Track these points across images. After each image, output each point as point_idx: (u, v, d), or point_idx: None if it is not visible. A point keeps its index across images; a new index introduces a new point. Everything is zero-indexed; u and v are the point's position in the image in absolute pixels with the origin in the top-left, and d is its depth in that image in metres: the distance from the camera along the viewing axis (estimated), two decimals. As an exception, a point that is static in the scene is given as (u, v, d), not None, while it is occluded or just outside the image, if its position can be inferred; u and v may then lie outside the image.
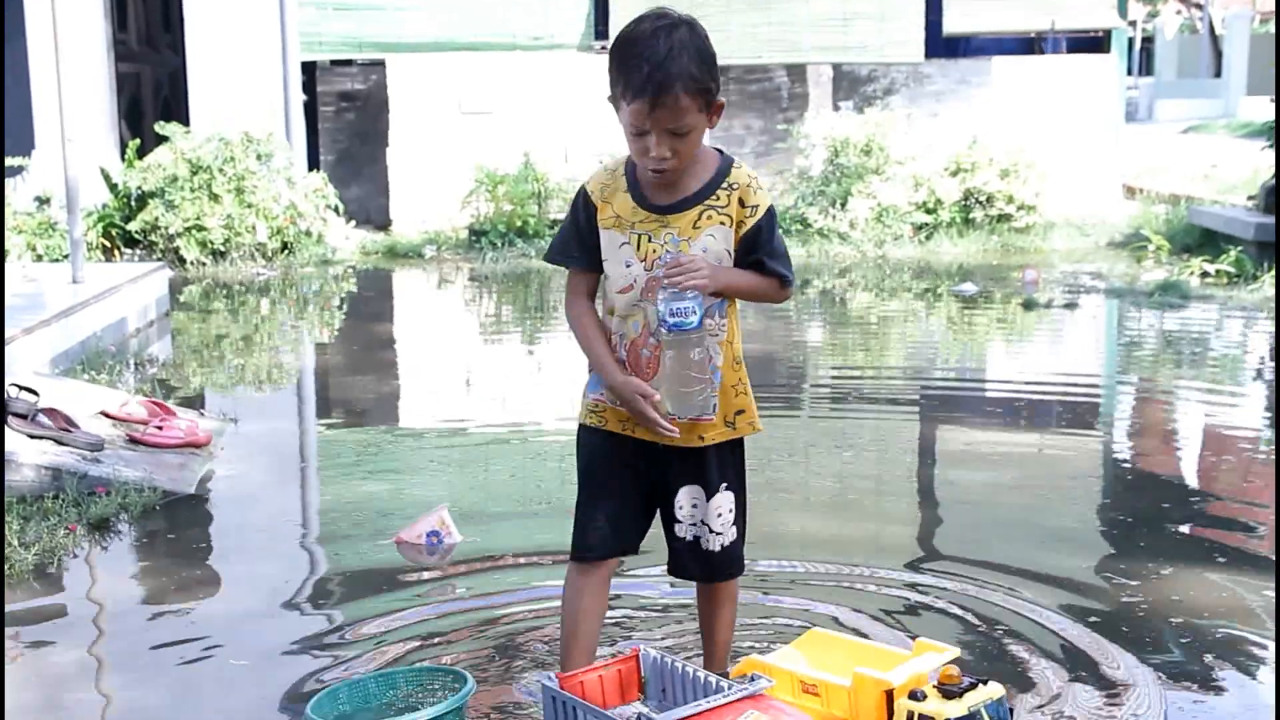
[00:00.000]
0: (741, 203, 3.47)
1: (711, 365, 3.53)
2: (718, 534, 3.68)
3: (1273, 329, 10.04)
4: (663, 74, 3.25)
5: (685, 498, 3.64)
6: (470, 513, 5.58)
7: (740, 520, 3.72)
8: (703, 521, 3.66)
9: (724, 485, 3.66)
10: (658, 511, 3.70)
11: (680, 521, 3.64)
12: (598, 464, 3.65)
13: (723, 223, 3.47)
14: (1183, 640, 4.27)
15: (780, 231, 3.58)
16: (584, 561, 3.63)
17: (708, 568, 3.71)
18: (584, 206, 3.52)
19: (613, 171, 3.54)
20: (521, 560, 5.13)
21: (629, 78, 3.30)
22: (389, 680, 3.90)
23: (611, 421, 3.61)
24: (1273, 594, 4.66)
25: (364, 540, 5.53)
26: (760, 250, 3.50)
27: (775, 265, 3.53)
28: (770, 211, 3.51)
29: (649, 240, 3.48)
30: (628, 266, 3.50)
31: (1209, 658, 4.14)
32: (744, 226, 3.48)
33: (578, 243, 3.55)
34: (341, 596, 4.88)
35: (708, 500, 3.64)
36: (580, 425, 3.69)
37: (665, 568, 3.78)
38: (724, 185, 3.47)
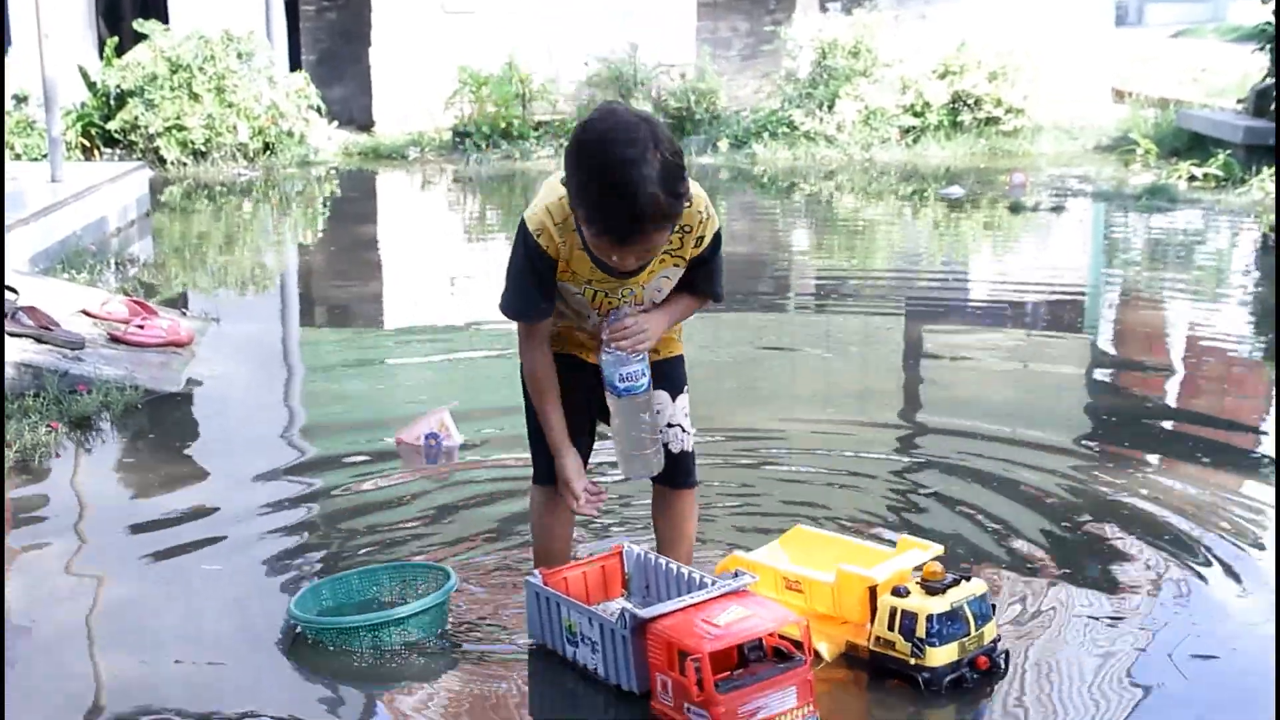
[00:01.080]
0: (695, 242, 3.38)
1: (656, 418, 3.54)
2: (688, 431, 3.69)
3: (1259, 232, 10.01)
4: (639, 223, 3.08)
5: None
6: (458, 413, 5.55)
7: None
8: (669, 424, 3.65)
9: (685, 387, 3.70)
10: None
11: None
12: (560, 389, 3.58)
13: (676, 264, 3.41)
14: (1167, 536, 4.28)
15: (720, 249, 3.47)
16: (552, 484, 3.62)
17: (681, 469, 3.70)
18: (541, 261, 3.30)
19: (561, 225, 3.26)
20: (509, 460, 5.12)
21: (602, 219, 3.10)
22: (372, 576, 3.91)
23: (571, 345, 3.59)
24: (1254, 491, 4.68)
25: (348, 439, 5.51)
26: (699, 272, 3.44)
27: (711, 288, 3.51)
28: (717, 234, 3.43)
29: (605, 295, 3.42)
30: (579, 305, 3.45)
31: (1193, 552, 4.15)
32: (693, 255, 3.41)
33: (541, 294, 3.37)
34: (326, 494, 4.86)
35: (673, 401, 3.65)
36: None
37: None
38: (677, 229, 3.31)
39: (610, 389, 3.46)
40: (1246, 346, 7.01)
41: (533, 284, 3.35)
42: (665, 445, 3.63)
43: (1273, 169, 11.12)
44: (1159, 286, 8.52)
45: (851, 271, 9.30)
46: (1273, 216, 10.16)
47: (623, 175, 3.02)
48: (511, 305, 3.41)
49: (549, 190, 3.31)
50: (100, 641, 3.73)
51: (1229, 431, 5.55)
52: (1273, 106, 12.10)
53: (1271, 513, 4.46)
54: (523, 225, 3.31)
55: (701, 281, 3.48)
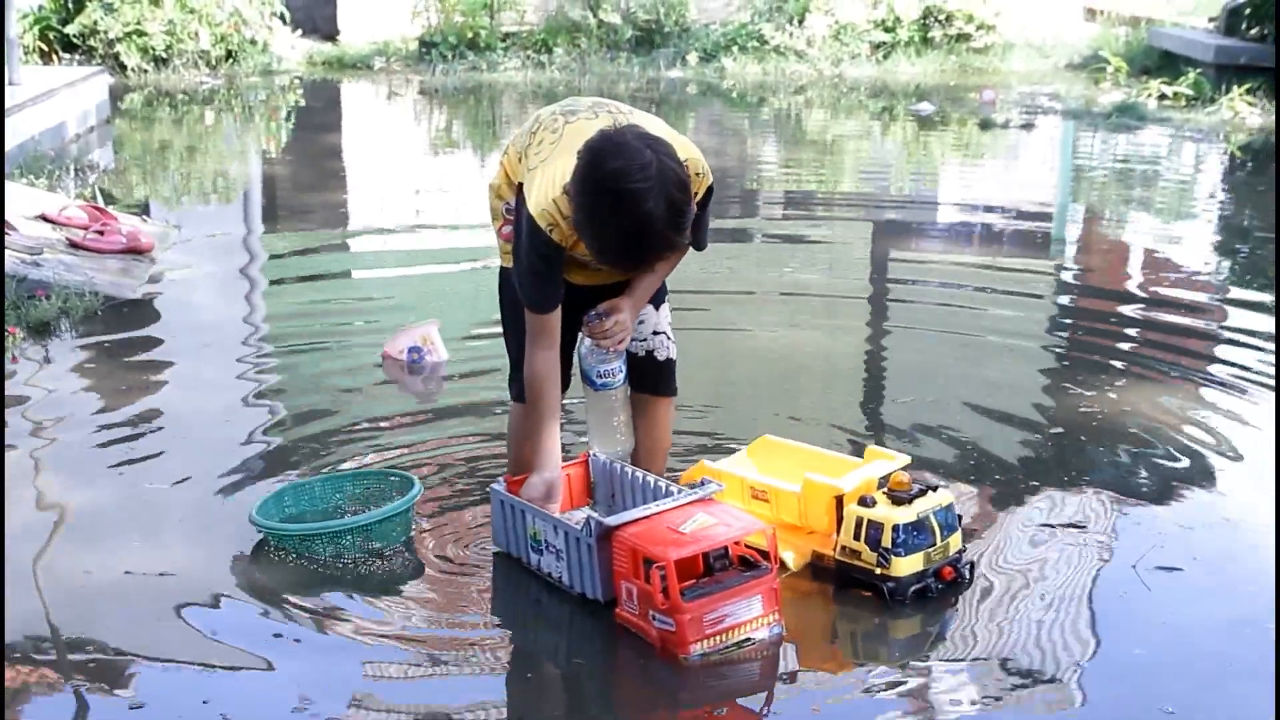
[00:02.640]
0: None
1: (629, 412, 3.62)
2: (671, 339, 3.68)
3: (1227, 151, 10.01)
4: (644, 256, 3.15)
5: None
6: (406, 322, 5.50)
7: None
8: (654, 332, 3.65)
9: (665, 296, 3.69)
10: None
11: (633, 339, 3.59)
12: None
13: None
14: (1133, 448, 4.30)
15: (710, 201, 3.42)
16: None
17: (663, 376, 3.69)
18: (553, 250, 3.27)
19: (569, 218, 3.20)
20: (480, 372, 5.09)
21: (608, 251, 3.13)
22: (335, 483, 3.88)
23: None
24: (1221, 406, 4.69)
25: (309, 347, 5.46)
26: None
27: (697, 239, 3.41)
28: (709, 190, 3.38)
29: (596, 270, 3.40)
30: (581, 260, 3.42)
31: (1159, 465, 4.17)
32: None
33: (556, 281, 3.35)
34: (287, 401, 4.82)
35: (656, 310, 3.65)
36: (506, 270, 3.57)
37: None
38: None
39: (587, 382, 3.53)
40: (1211, 266, 7.02)
41: (547, 274, 3.33)
42: (650, 352, 3.63)
43: (1242, 88, 11.11)
44: (1126, 204, 8.51)
45: (819, 187, 9.24)
46: (1241, 135, 10.17)
47: (633, 219, 3.02)
48: (533, 300, 3.37)
49: (550, 182, 3.23)
50: (55, 549, 3.69)
51: (1197, 347, 5.55)
52: (1243, 25, 12.06)
53: (1237, 426, 4.49)
54: (531, 220, 3.24)
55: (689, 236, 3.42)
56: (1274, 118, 10.51)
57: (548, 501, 3.43)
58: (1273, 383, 4.88)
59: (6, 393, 4.80)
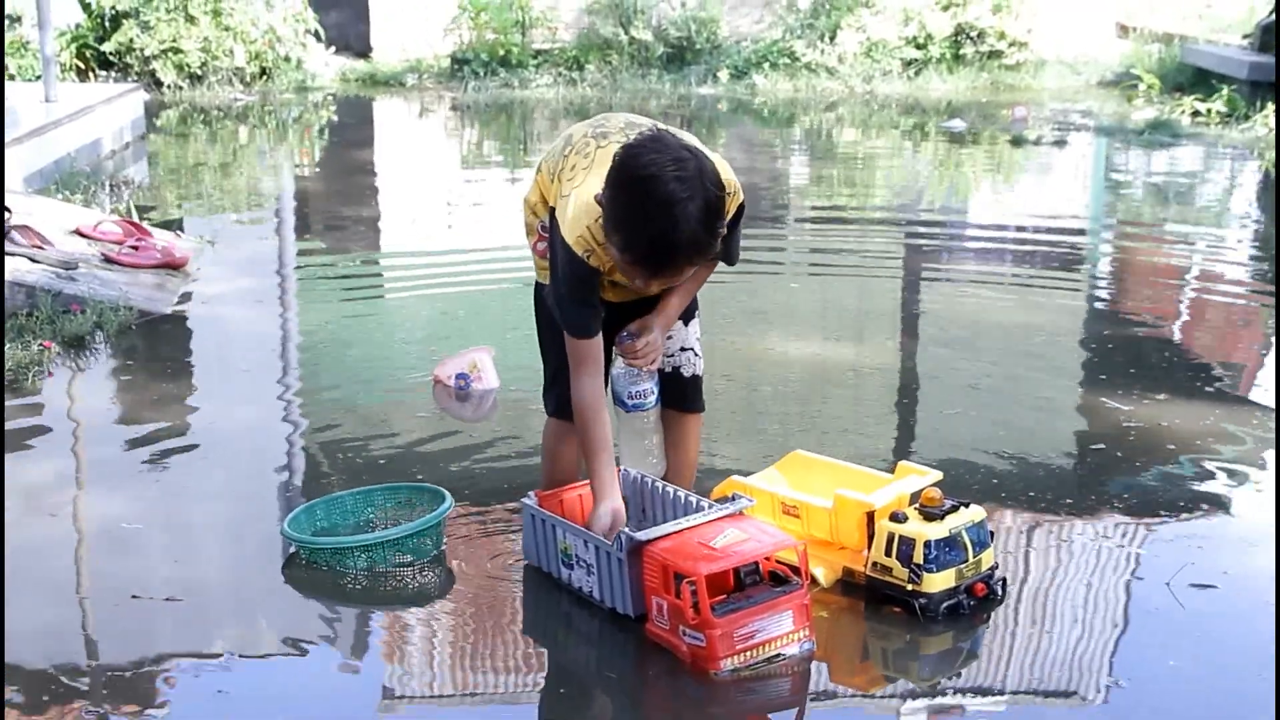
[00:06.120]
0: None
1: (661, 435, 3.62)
2: (699, 355, 3.69)
3: (1261, 169, 9.96)
4: (675, 258, 3.08)
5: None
6: (444, 345, 5.52)
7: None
8: (682, 348, 3.65)
9: (696, 313, 3.69)
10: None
11: (663, 355, 3.60)
12: None
13: None
14: (1165, 466, 4.27)
15: (742, 218, 3.40)
16: (564, 419, 3.57)
17: (690, 392, 3.69)
18: (591, 274, 3.26)
19: (604, 246, 3.18)
20: (514, 387, 5.10)
21: (638, 249, 3.06)
22: (367, 497, 3.89)
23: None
24: (1251, 424, 4.66)
25: (343, 362, 5.48)
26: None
27: (728, 253, 3.43)
28: (741, 206, 3.35)
29: (627, 287, 3.39)
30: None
31: (1190, 483, 4.14)
32: None
33: (595, 304, 3.34)
34: (321, 416, 4.83)
35: (685, 326, 3.65)
36: (542, 285, 3.57)
37: None
38: None
39: (619, 404, 3.52)
40: (1247, 283, 6.98)
41: (586, 297, 3.31)
42: (677, 368, 3.64)
43: (1276, 105, 11.04)
44: (1160, 221, 8.47)
45: (850, 202, 9.23)
46: (1275, 152, 10.10)
47: (667, 212, 2.98)
48: (575, 325, 3.35)
49: (584, 208, 3.21)
50: (89, 562, 3.72)
51: (1229, 365, 5.53)
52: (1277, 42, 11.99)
53: (1264, 444, 4.46)
54: (567, 248, 3.23)
55: (720, 248, 3.41)
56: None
57: (615, 529, 3.39)
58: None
59: (38, 407, 4.84)
